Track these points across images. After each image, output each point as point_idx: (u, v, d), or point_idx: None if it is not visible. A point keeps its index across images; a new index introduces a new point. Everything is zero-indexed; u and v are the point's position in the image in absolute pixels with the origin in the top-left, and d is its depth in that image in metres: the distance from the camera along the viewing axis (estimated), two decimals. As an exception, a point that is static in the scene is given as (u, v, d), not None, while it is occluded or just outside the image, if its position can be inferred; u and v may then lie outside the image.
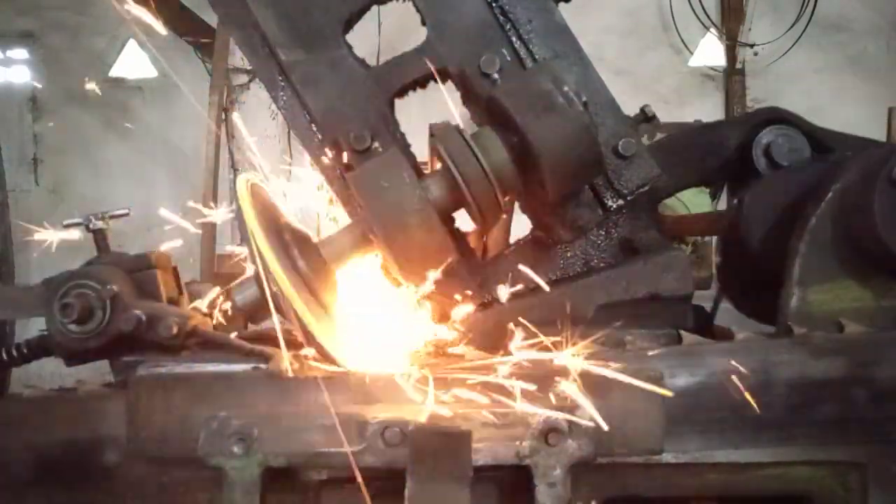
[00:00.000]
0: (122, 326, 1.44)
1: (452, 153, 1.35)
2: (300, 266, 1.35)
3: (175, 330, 1.45)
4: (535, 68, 1.52)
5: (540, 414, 1.26)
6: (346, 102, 1.62)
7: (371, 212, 1.34)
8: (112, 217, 1.66)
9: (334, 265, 1.40)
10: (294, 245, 1.37)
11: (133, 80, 10.27)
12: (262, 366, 1.37)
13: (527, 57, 1.62)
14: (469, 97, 1.64)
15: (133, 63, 10.09)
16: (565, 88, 1.37)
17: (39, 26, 10.24)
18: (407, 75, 1.64)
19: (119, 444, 1.36)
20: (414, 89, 1.68)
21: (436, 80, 1.67)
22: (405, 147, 1.63)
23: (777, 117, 1.80)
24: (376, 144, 1.58)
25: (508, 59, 1.60)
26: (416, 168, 1.40)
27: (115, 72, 10.15)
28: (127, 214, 1.70)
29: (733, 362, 1.37)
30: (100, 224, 1.64)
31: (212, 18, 6.92)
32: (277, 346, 1.44)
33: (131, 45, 10.05)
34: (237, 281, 1.42)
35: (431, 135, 1.42)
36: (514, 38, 1.62)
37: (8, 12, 9.99)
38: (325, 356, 1.33)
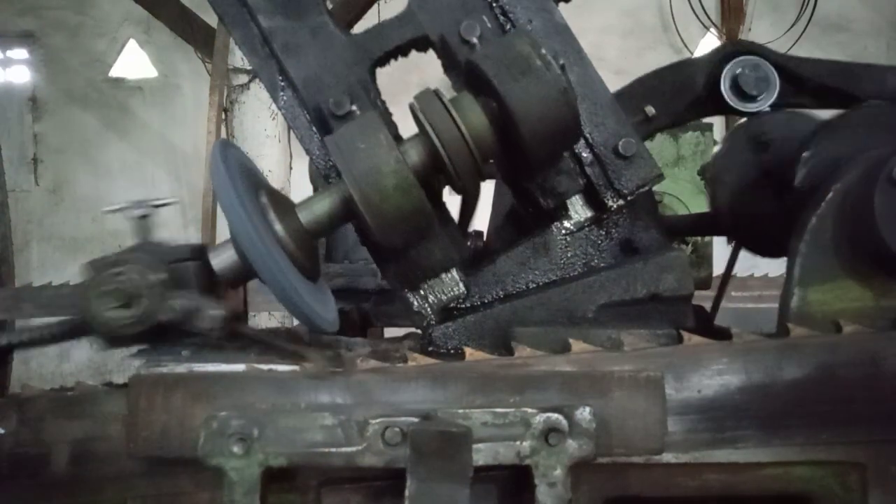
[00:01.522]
0: (167, 315, 1.43)
1: (430, 116, 1.36)
2: (277, 229, 1.35)
3: (216, 323, 1.44)
4: (514, 33, 1.52)
5: (540, 414, 1.26)
6: (327, 69, 1.61)
7: (347, 173, 1.34)
8: (157, 206, 1.65)
9: (312, 230, 1.39)
10: (271, 208, 1.37)
11: (133, 80, 10.28)
12: (302, 366, 1.37)
13: (507, 24, 1.62)
14: (449, 65, 1.64)
15: (133, 63, 10.11)
16: (542, 51, 1.37)
17: (39, 26, 10.25)
18: (388, 42, 1.64)
19: (119, 444, 1.36)
20: (395, 57, 1.68)
21: (417, 49, 1.67)
22: (385, 112, 1.63)
23: (742, 49, 1.80)
24: (355, 108, 1.57)
25: (489, 25, 1.60)
26: (395, 134, 1.39)
27: (115, 72, 10.17)
28: (173, 203, 1.69)
29: (735, 362, 1.37)
30: (141, 212, 1.64)
31: (212, 18, 6.93)
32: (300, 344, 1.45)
33: (131, 45, 10.07)
34: (215, 245, 1.42)
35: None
36: (494, 6, 1.62)
37: (8, 12, 10.00)
38: (304, 321, 1.33)
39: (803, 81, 1.77)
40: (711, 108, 1.85)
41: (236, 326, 1.48)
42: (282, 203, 1.40)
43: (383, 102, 1.65)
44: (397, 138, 1.39)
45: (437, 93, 1.39)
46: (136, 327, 1.44)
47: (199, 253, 1.61)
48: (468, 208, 1.75)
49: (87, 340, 1.54)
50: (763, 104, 1.77)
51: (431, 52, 1.69)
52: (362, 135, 1.36)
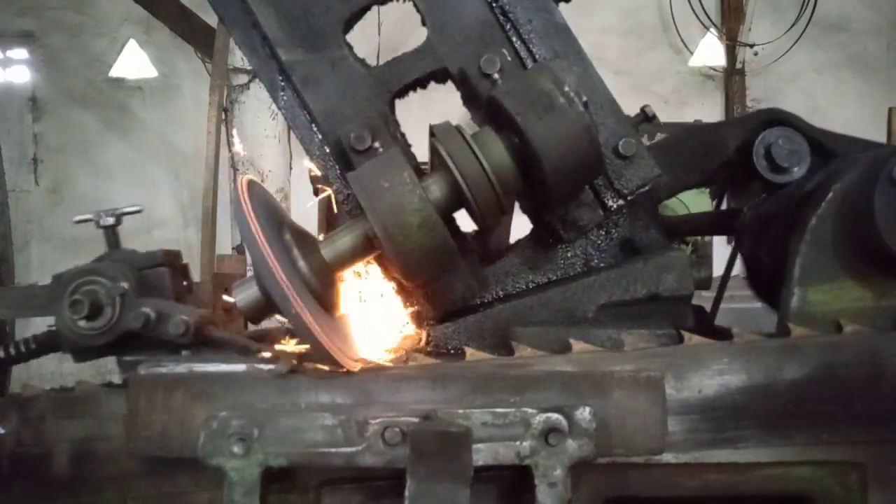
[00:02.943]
0: (131, 324, 1.44)
1: (453, 153, 1.35)
2: (300, 266, 1.35)
3: (184, 328, 1.45)
4: (536, 68, 1.52)
5: (540, 414, 1.26)
6: (347, 102, 1.62)
7: (371, 212, 1.34)
8: (123, 214, 1.66)
9: (335, 266, 1.40)
10: (295, 245, 1.37)
11: (133, 80, 10.28)
12: (269, 365, 1.37)
13: (527, 57, 1.62)
14: (469, 97, 1.64)
15: (133, 63, 10.10)
16: (566, 88, 1.37)
17: (39, 26, 10.25)
18: (407, 75, 1.64)
19: (119, 444, 1.36)
20: (414, 89, 1.69)
21: (436, 81, 1.67)
22: (405, 147, 1.64)
23: (777, 119, 1.80)
24: (377, 144, 1.58)
25: (509, 59, 1.60)
26: (417, 168, 1.40)
27: (115, 72, 10.16)
28: (139, 211, 1.70)
29: (736, 362, 1.37)
30: (110, 221, 1.64)
31: (212, 18, 6.93)
32: (280, 344, 1.45)
33: (131, 45, 10.06)
34: (238, 281, 1.42)
35: (432, 135, 1.41)
36: (514, 38, 1.62)
37: (8, 12, 10.01)
38: (327, 358, 1.32)
39: (834, 157, 1.77)
40: (740, 172, 1.84)
41: (206, 330, 1.48)
42: (305, 240, 1.40)
43: (403, 135, 1.65)
44: (418, 172, 1.38)
45: (458, 128, 1.39)
46: (104, 337, 1.45)
47: (173, 258, 1.62)
48: (487, 237, 1.75)
49: (61, 352, 1.55)
50: (794, 177, 1.77)
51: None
52: (386, 173, 1.36)
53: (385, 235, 1.33)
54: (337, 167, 1.63)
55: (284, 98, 1.65)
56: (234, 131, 7.57)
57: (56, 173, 10.37)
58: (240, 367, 1.37)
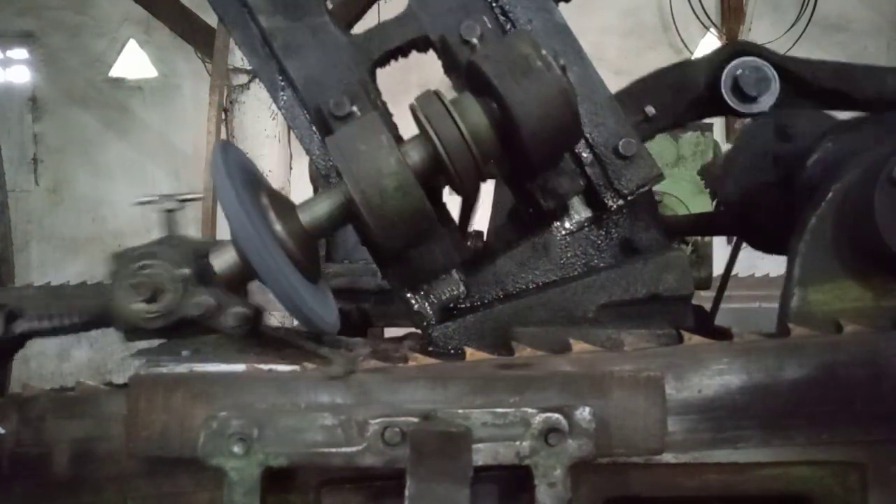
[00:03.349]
0: (191, 311, 1.41)
1: (431, 117, 1.35)
2: (278, 230, 1.35)
3: (242, 321, 1.43)
4: (515, 34, 1.51)
5: (540, 414, 1.26)
6: (327, 69, 1.61)
7: (348, 175, 1.34)
8: (185, 199, 1.65)
9: (313, 230, 1.39)
10: (272, 208, 1.37)
11: (133, 80, 10.29)
12: (323, 368, 1.36)
13: (507, 24, 1.62)
14: (450, 65, 1.64)
15: (133, 63, 10.11)
16: (543, 52, 1.37)
17: (39, 26, 10.25)
18: (388, 43, 1.64)
19: (119, 444, 1.36)
20: (395, 58, 1.68)
21: (417, 49, 1.67)
22: (386, 114, 1.63)
23: (743, 50, 1.79)
24: (356, 109, 1.57)
25: (489, 26, 1.60)
26: (396, 135, 1.39)
27: (115, 72, 10.17)
28: (202, 198, 1.68)
29: (736, 362, 1.37)
30: (171, 205, 1.63)
31: (212, 18, 6.93)
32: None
33: (131, 45, 10.07)
34: (215, 246, 1.41)
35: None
36: (494, 6, 1.62)
37: (8, 12, 10.01)
38: (305, 322, 1.33)
39: (803, 83, 1.77)
40: (712, 109, 1.84)
41: (258, 325, 1.47)
42: (282, 204, 1.40)
43: (384, 103, 1.65)
44: (398, 139, 1.38)
45: (437, 94, 1.39)
46: (160, 321, 1.42)
47: None
48: (468, 208, 1.75)
49: (109, 331, 1.51)
50: (763, 106, 1.77)
51: (431, 53, 1.68)
52: (363, 136, 1.36)
53: (361, 198, 1.33)
54: (317, 136, 1.63)
55: (284, 98, 1.65)
56: (234, 131, 7.57)
57: (56, 173, 10.38)
58: (240, 367, 1.37)
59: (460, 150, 1.35)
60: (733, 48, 1.81)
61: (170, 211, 1.57)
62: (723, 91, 1.77)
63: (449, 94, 1.45)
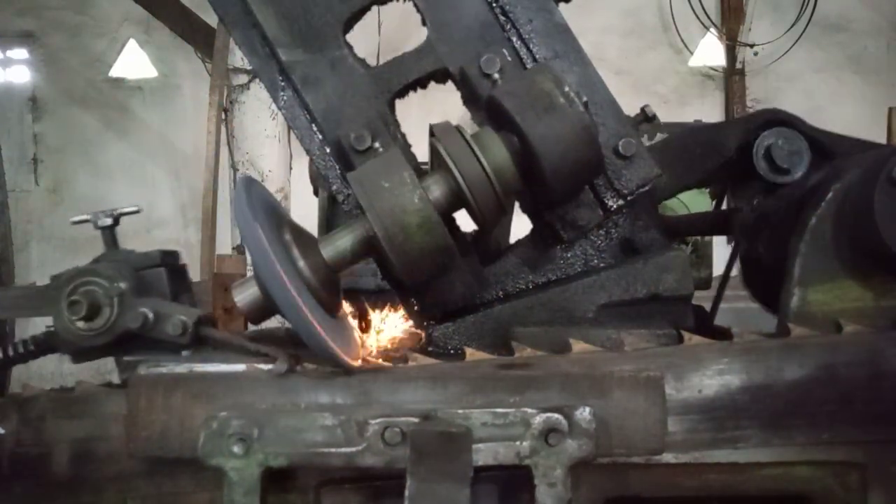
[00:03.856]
0: (130, 324, 1.44)
1: (453, 153, 1.35)
2: (301, 266, 1.35)
3: (182, 329, 1.45)
4: (536, 68, 1.52)
5: (540, 414, 1.26)
6: (347, 102, 1.62)
7: (371, 212, 1.34)
8: (121, 214, 1.65)
9: (335, 265, 1.40)
10: (295, 244, 1.37)
11: (133, 80, 10.29)
12: (267, 365, 1.36)
13: (527, 57, 1.62)
14: (469, 97, 1.64)
15: (133, 63, 10.11)
16: (566, 89, 1.37)
17: (39, 26, 10.26)
18: (407, 75, 1.64)
19: (119, 444, 1.36)
20: (415, 89, 1.69)
21: (436, 81, 1.67)
22: (406, 147, 1.64)
23: (777, 119, 1.80)
24: (377, 144, 1.58)
25: (509, 58, 1.60)
26: (417, 168, 1.40)
27: (115, 72, 10.17)
28: (137, 212, 1.70)
29: (736, 362, 1.37)
30: (108, 221, 1.64)
31: (212, 18, 6.93)
32: (280, 345, 1.44)
33: (131, 45, 10.07)
34: (238, 281, 1.42)
35: (432, 135, 1.42)
36: (514, 38, 1.63)
37: (8, 12, 10.01)
38: (328, 357, 1.32)
39: (833, 157, 1.77)
40: (739, 172, 1.84)
41: (204, 331, 1.48)
42: (305, 239, 1.40)
43: (403, 135, 1.65)
44: (417, 170, 1.38)
45: (458, 128, 1.39)
46: (101, 338, 1.45)
47: (171, 258, 1.62)
48: (487, 237, 1.75)
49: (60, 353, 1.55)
50: (792, 177, 1.77)
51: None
52: (386, 173, 1.36)
53: (385, 235, 1.33)
54: (337, 167, 1.63)
55: (284, 98, 1.65)
56: (234, 131, 7.57)
57: (56, 173, 10.38)
58: (240, 367, 1.37)
59: (482, 185, 1.35)
60: (768, 115, 1.81)
61: (107, 227, 1.57)
62: (754, 159, 1.78)
63: (466, 124, 1.45)
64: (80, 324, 1.45)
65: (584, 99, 1.41)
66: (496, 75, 1.57)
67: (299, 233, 1.41)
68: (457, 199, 1.38)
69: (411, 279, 1.43)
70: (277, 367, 1.35)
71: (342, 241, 1.40)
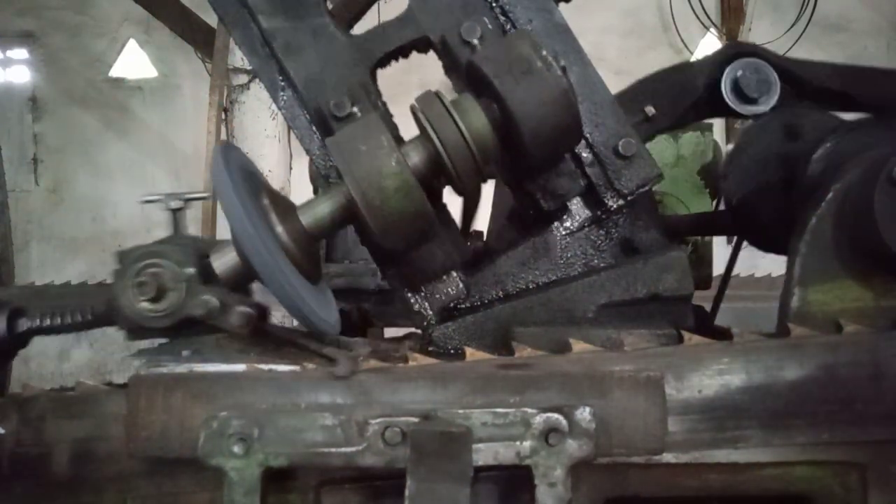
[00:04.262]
0: (195, 311, 1.41)
1: (431, 118, 1.36)
2: (279, 231, 1.35)
3: (245, 320, 1.42)
4: (515, 34, 1.51)
5: (540, 414, 1.26)
6: (328, 71, 1.61)
7: (348, 175, 1.34)
8: (191, 199, 1.64)
9: (314, 232, 1.39)
10: (273, 210, 1.37)
11: (133, 80, 10.29)
12: (329, 368, 1.36)
13: (507, 24, 1.62)
14: (451, 66, 1.64)
15: (133, 63, 10.12)
16: (544, 52, 1.37)
17: (39, 26, 10.25)
18: (389, 43, 1.64)
19: (119, 444, 1.36)
20: (396, 58, 1.69)
21: (418, 50, 1.67)
22: (386, 115, 1.63)
23: (744, 51, 1.79)
24: (356, 110, 1.57)
25: (490, 27, 1.60)
26: (396, 135, 1.39)
27: (115, 72, 10.17)
28: (206, 197, 1.69)
29: (736, 362, 1.37)
30: (178, 204, 1.63)
31: (212, 18, 6.93)
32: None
33: (131, 45, 10.07)
34: (216, 247, 1.41)
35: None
36: (496, 9, 1.62)
37: (8, 12, 10.01)
38: (306, 323, 1.33)
39: (804, 84, 1.77)
40: (712, 111, 1.84)
41: (263, 325, 1.47)
42: (283, 205, 1.40)
43: (384, 104, 1.65)
44: (398, 140, 1.38)
45: (438, 94, 1.39)
46: (164, 321, 1.42)
47: None
48: (469, 209, 1.75)
49: (109, 331, 1.51)
50: (764, 107, 1.77)
51: (432, 53, 1.68)
52: (363, 137, 1.36)
53: (362, 199, 1.33)
54: (317, 136, 1.63)
55: (284, 98, 1.65)
56: (234, 131, 7.57)
57: (56, 173, 10.38)
58: (240, 367, 1.37)
59: (461, 150, 1.35)
60: (733, 50, 1.81)
61: (175, 210, 1.56)
62: (723, 93, 1.77)
63: (449, 94, 1.45)
64: (146, 304, 1.42)
65: (563, 63, 1.41)
66: (476, 42, 1.57)
67: (277, 198, 1.41)
68: (435, 165, 1.38)
69: (390, 245, 1.42)
70: (340, 368, 1.34)
71: (321, 207, 1.40)
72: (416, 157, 1.38)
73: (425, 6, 1.63)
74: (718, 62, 1.80)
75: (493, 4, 1.63)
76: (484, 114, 1.37)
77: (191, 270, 1.42)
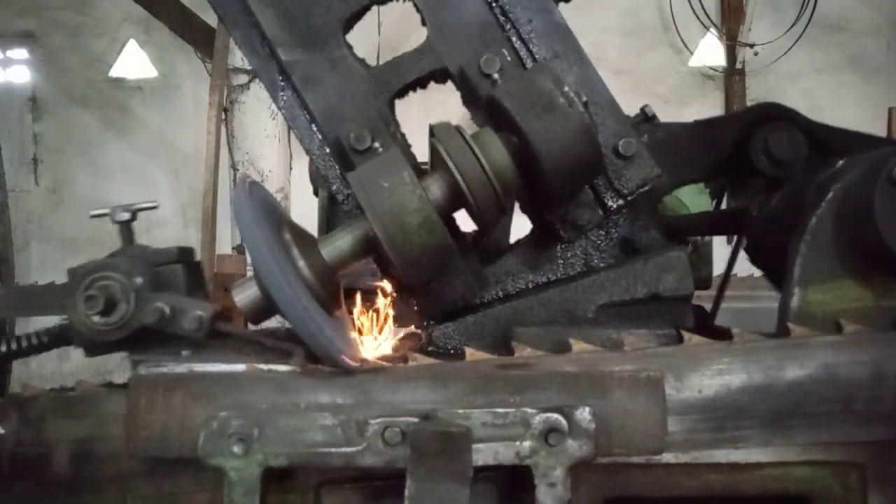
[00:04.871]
0: (146, 319, 1.44)
1: (453, 153, 1.36)
2: (300, 266, 1.35)
3: (199, 323, 1.44)
4: (536, 68, 1.52)
5: (540, 414, 1.26)
6: (346, 102, 1.62)
7: (371, 212, 1.34)
8: (138, 210, 1.65)
9: (335, 265, 1.40)
10: (294, 245, 1.37)
11: (133, 80, 10.29)
12: (282, 365, 1.36)
13: (527, 57, 1.62)
14: (469, 97, 1.64)
15: (133, 63, 10.12)
16: (566, 89, 1.38)
17: (39, 26, 10.26)
18: (407, 75, 1.64)
19: (119, 444, 1.36)
20: (414, 89, 1.69)
21: (436, 81, 1.67)
22: (406, 147, 1.64)
23: (774, 113, 1.79)
24: (377, 144, 1.58)
25: (508, 59, 1.60)
26: (417, 168, 1.40)
27: (115, 72, 10.17)
28: (154, 207, 1.70)
29: (736, 362, 1.37)
30: (125, 216, 1.64)
31: (212, 18, 6.93)
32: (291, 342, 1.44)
33: (131, 45, 10.07)
34: (238, 281, 1.42)
35: (431, 135, 1.42)
36: (514, 38, 1.63)
37: (8, 12, 10.01)
38: (326, 357, 1.33)
39: (832, 151, 1.76)
40: (738, 168, 1.84)
41: (220, 326, 1.48)
42: (304, 239, 1.40)
43: (403, 135, 1.65)
44: (417, 169, 1.38)
45: (458, 128, 1.39)
46: (119, 332, 1.45)
47: (186, 255, 1.62)
48: (487, 237, 1.75)
49: (73, 347, 1.54)
50: (791, 170, 1.77)
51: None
52: (386, 172, 1.36)
53: (385, 235, 1.33)
54: (337, 167, 1.63)
55: (284, 98, 1.65)
56: (234, 131, 7.57)
57: (56, 173, 10.38)
58: (240, 367, 1.37)
59: (482, 185, 1.35)
60: (765, 110, 1.81)
61: (122, 222, 1.57)
62: (752, 154, 1.78)
63: (466, 124, 1.45)
64: (97, 318, 1.44)
65: (584, 99, 1.41)
66: (496, 75, 1.58)
67: (299, 233, 1.42)
68: (457, 199, 1.38)
69: (411, 279, 1.43)
70: (293, 364, 1.34)
71: (342, 241, 1.40)
72: (437, 192, 1.38)
73: (443, 37, 1.62)
74: (749, 122, 1.80)
75: (494, 4, 1.63)
76: (505, 148, 1.37)
77: (139, 280, 1.44)
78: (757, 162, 1.78)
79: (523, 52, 1.62)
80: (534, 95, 1.37)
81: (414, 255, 1.35)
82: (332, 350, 1.31)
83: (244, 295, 1.38)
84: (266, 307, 1.37)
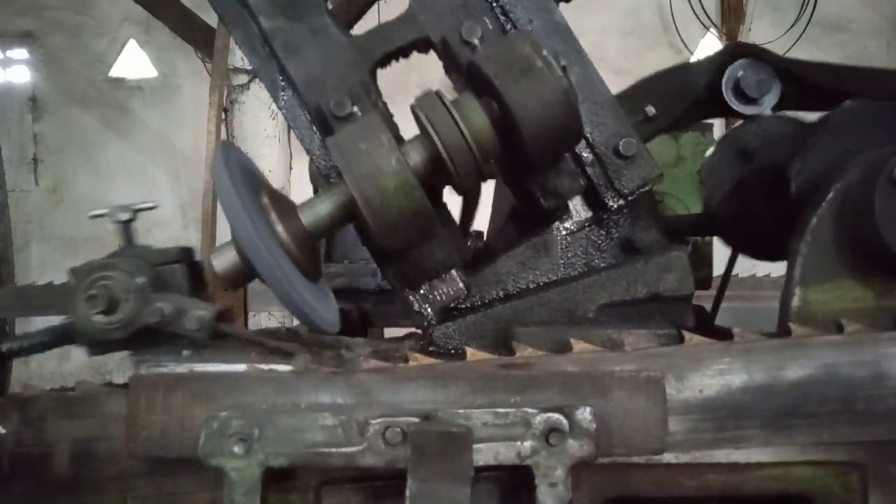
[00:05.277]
0: (148, 319, 1.44)
1: (431, 117, 1.36)
2: (279, 230, 1.35)
3: (200, 323, 1.45)
4: (515, 34, 1.52)
5: (541, 414, 1.26)
6: (328, 70, 1.62)
7: (348, 174, 1.34)
8: (138, 210, 1.66)
9: (314, 231, 1.39)
10: (273, 209, 1.37)
11: (133, 80, 10.30)
12: (285, 365, 1.37)
13: (507, 24, 1.62)
14: (451, 66, 1.64)
15: (133, 63, 10.12)
16: (544, 53, 1.37)
17: (39, 26, 10.26)
18: (389, 43, 1.64)
19: (119, 444, 1.36)
20: (396, 59, 1.69)
21: (418, 50, 1.67)
22: (386, 114, 1.63)
23: (743, 51, 1.80)
24: (356, 109, 1.58)
25: (490, 27, 1.60)
26: (397, 134, 1.40)
27: (115, 72, 10.18)
28: (154, 207, 1.70)
29: (736, 362, 1.37)
30: (125, 216, 1.64)
31: (212, 18, 6.93)
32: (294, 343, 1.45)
33: (131, 45, 10.08)
34: (216, 246, 1.42)
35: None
36: (496, 9, 1.62)
37: (8, 12, 10.01)
38: (306, 321, 1.33)
39: (804, 84, 1.77)
40: (713, 111, 1.85)
41: (222, 327, 1.48)
42: (283, 204, 1.40)
43: (384, 103, 1.65)
44: (398, 139, 1.39)
45: (438, 94, 1.39)
46: (121, 332, 1.45)
47: (187, 255, 1.62)
48: (469, 208, 1.75)
49: (75, 346, 1.55)
50: (765, 107, 1.77)
51: (432, 53, 1.69)
52: (364, 136, 1.36)
53: (362, 198, 1.33)
54: (317, 136, 1.63)
55: (284, 98, 1.65)
56: (234, 131, 7.57)
57: (56, 173, 10.38)
58: (240, 367, 1.37)
59: (461, 149, 1.35)
60: (734, 50, 1.81)
61: (123, 222, 1.57)
62: (724, 93, 1.78)
63: (450, 94, 1.45)
64: (99, 318, 1.45)
65: (563, 63, 1.41)
66: (476, 42, 1.58)
67: (277, 197, 1.41)
68: (435, 164, 1.38)
69: (389, 244, 1.42)
70: (296, 364, 1.35)
71: (321, 206, 1.40)
72: (416, 156, 1.38)
73: (426, 6, 1.63)
74: (719, 62, 1.80)
75: (494, 4, 1.63)
76: (484, 113, 1.37)
77: (141, 280, 1.44)
78: (729, 101, 1.79)
79: (504, 20, 1.62)
80: (512, 59, 1.37)
81: (391, 219, 1.35)
82: (311, 314, 1.31)
83: (222, 259, 1.38)
84: (245, 271, 1.37)
